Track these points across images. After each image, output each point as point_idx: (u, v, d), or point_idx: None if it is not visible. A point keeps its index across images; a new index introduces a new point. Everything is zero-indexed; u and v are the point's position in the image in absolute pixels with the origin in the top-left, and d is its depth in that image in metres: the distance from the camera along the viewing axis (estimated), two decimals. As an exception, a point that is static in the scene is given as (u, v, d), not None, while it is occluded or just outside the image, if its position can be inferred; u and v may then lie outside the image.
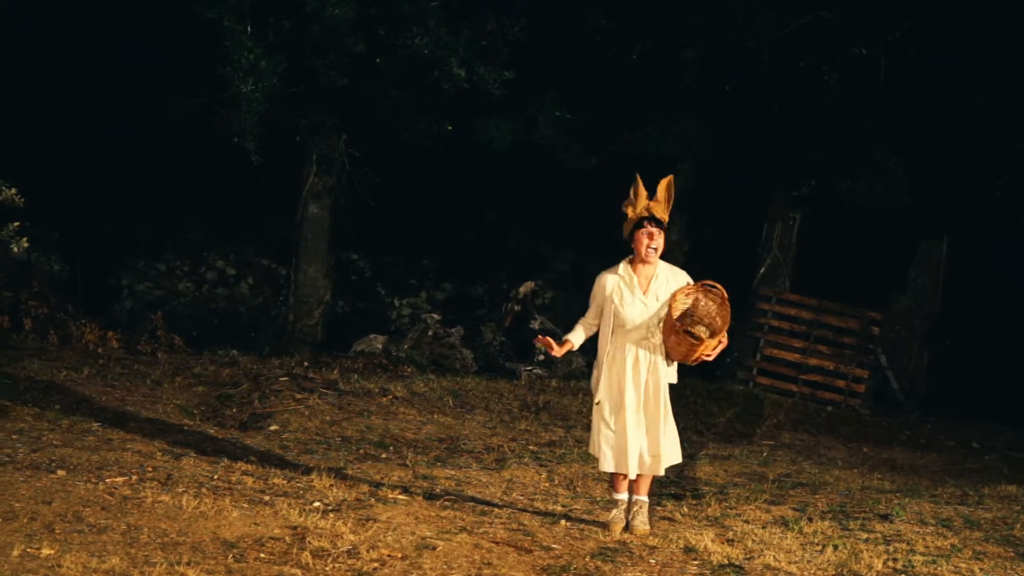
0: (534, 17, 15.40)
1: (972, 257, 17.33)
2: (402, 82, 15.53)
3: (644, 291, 7.68)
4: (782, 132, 16.70)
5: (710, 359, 7.70)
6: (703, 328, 7.65)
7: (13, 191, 11.41)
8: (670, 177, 7.74)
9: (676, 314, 7.58)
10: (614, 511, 7.90)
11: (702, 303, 7.69)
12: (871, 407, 16.26)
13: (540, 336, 7.99)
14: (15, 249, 11.62)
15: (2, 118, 15.93)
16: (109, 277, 18.46)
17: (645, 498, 7.90)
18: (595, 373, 7.88)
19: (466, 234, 19.65)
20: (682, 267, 7.96)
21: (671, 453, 7.79)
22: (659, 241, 7.66)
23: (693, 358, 7.63)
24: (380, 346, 15.67)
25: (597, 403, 7.78)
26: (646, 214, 7.63)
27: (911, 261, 17.34)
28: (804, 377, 16.55)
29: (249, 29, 14.53)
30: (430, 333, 16.19)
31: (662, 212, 7.65)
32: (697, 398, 14.46)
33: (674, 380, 7.84)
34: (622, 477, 7.88)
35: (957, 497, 9.99)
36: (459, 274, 19.49)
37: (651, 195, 7.67)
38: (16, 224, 11.56)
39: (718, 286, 7.67)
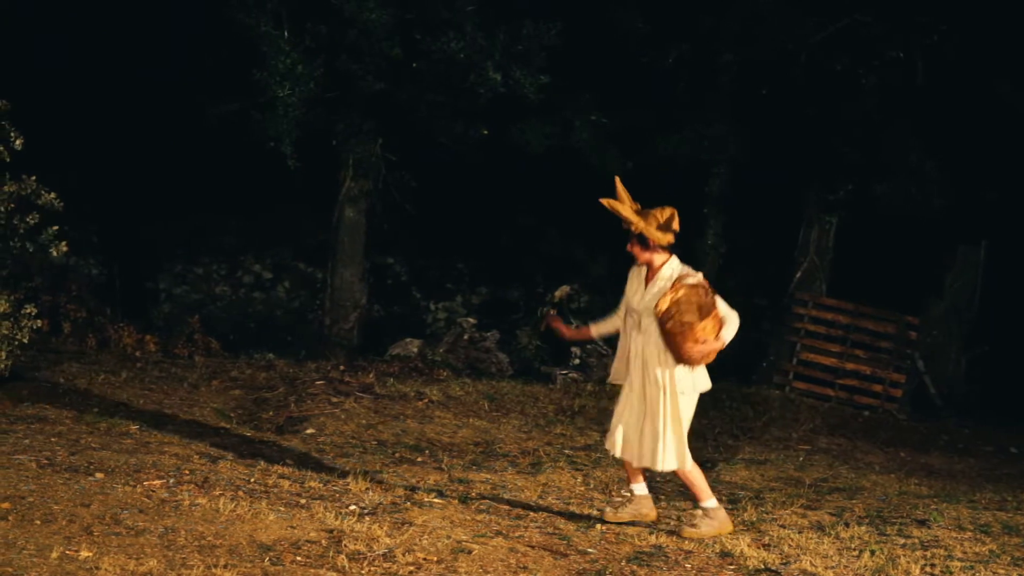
0: (569, 21, 15.39)
1: (1010, 261, 17.21)
2: (438, 86, 15.54)
3: (648, 281, 7.87)
4: (818, 135, 16.62)
5: (718, 346, 7.66)
6: (691, 315, 7.63)
7: (52, 195, 11.51)
8: (616, 179, 7.96)
9: (661, 309, 7.62)
10: (617, 500, 8.00)
11: (683, 296, 7.67)
12: (908, 412, 16.17)
13: (551, 314, 8.13)
14: (54, 253, 11.71)
15: (40, 123, 16.03)
16: (147, 281, 18.56)
17: (705, 506, 7.94)
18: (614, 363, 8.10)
19: (502, 238, 19.65)
20: (718, 271, 7.99)
21: (669, 457, 7.73)
22: (633, 249, 7.95)
23: (697, 349, 7.58)
24: (416, 350, 15.70)
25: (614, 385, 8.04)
26: (625, 227, 7.90)
27: (948, 265, 17.24)
28: (841, 382, 16.47)
29: (286, 34, 14.60)
30: (466, 337, 16.21)
31: (628, 214, 7.91)
32: (733, 402, 14.42)
33: (706, 387, 7.83)
34: (633, 468, 7.98)
35: (995, 503, 9.95)
36: (495, 278, 19.50)
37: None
38: (55, 228, 11.66)
39: (698, 275, 7.74)
